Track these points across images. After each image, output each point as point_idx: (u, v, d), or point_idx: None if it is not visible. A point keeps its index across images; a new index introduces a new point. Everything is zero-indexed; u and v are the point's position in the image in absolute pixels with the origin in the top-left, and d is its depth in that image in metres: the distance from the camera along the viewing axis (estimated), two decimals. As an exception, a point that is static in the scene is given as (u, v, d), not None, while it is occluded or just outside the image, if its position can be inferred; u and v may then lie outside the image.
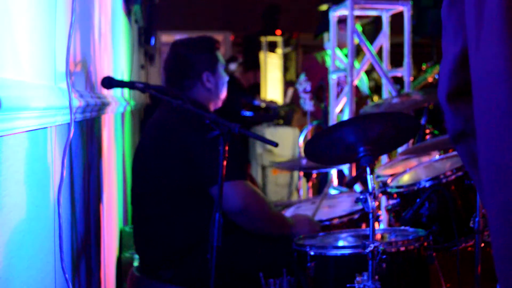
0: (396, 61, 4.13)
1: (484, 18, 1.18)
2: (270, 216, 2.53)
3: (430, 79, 4.92)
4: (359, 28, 4.18)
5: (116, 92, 3.33)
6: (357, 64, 4.03)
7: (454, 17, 1.30)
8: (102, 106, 2.43)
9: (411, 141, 3.51)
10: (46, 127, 1.57)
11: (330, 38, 4.25)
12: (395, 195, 2.61)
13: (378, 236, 2.32)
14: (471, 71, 1.23)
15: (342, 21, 4.32)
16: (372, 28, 5.79)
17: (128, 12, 4.47)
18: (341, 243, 2.30)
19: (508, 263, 1.18)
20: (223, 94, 2.73)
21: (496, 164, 1.17)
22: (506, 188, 1.15)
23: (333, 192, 3.96)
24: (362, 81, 4.96)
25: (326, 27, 4.72)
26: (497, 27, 1.16)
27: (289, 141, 7.15)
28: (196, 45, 2.68)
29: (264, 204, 2.50)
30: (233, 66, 8.12)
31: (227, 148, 2.08)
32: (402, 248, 2.12)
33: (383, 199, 3.23)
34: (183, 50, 2.66)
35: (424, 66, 4.97)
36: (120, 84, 2.38)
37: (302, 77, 4.57)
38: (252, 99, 8.11)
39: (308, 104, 4.40)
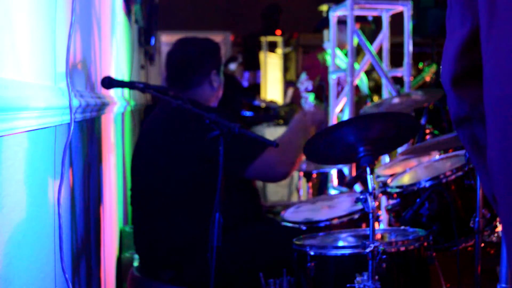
0: (396, 61, 4.13)
1: (497, 5, 1.11)
2: (295, 156, 2.62)
3: (427, 78, 4.92)
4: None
5: (116, 92, 3.33)
6: (356, 65, 4.03)
7: None
8: (102, 106, 2.43)
9: (411, 141, 3.51)
10: (46, 127, 1.56)
11: (330, 38, 4.25)
12: (395, 195, 2.61)
13: (378, 236, 2.32)
14: (483, 63, 1.16)
15: (341, 22, 4.32)
16: (372, 28, 5.79)
17: (128, 12, 4.47)
18: (341, 243, 2.30)
19: None
20: (221, 93, 2.80)
21: None
22: None
23: (333, 192, 3.96)
24: (361, 81, 4.96)
25: (326, 24, 4.72)
26: None
27: (289, 141, 7.13)
28: (205, 45, 2.76)
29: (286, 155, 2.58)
30: (233, 66, 8.12)
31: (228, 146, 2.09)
32: (402, 248, 2.12)
33: (383, 199, 3.23)
34: (194, 48, 2.72)
35: (421, 66, 4.97)
36: (120, 84, 2.38)
37: (303, 76, 4.57)
38: (252, 99, 8.11)
39: (308, 104, 4.40)
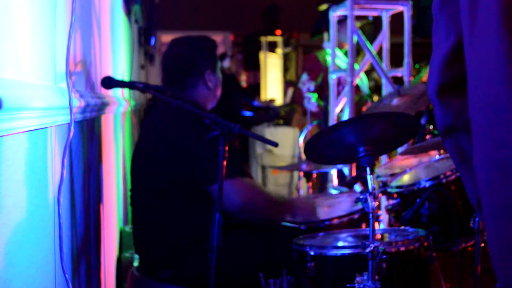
0: (396, 61, 4.13)
1: (478, 13, 1.18)
2: (271, 207, 2.56)
3: (424, 79, 4.93)
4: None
5: (116, 92, 3.33)
6: (356, 65, 4.03)
7: (447, 12, 1.30)
8: (102, 106, 2.43)
9: (411, 141, 3.51)
10: (46, 127, 1.57)
11: (330, 38, 4.25)
12: (395, 195, 2.61)
13: (378, 236, 2.32)
14: (467, 67, 1.23)
15: (340, 21, 4.32)
16: (372, 28, 5.79)
17: (128, 12, 4.47)
18: (341, 243, 2.30)
19: (509, 261, 1.17)
20: (219, 92, 2.75)
21: (496, 161, 1.16)
22: (508, 185, 1.15)
23: (333, 192, 3.95)
24: (361, 81, 4.97)
25: (322, 28, 4.72)
26: (492, 23, 1.15)
27: (289, 141, 7.14)
28: (198, 44, 2.70)
29: (265, 197, 2.51)
30: (226, 63, 8.12)
31: (226, 148, 2.08)
32: (402, 248, 2.12)
33: (383, 199, 3.23)
34: (186, 49, 2.67)
35: (417, 67, 4.98)
36: (120, 84, 2.38)
37: (304, 76, 4.57)
38: (251, 100, 8.11)
39: (312, 104, 4.40)
